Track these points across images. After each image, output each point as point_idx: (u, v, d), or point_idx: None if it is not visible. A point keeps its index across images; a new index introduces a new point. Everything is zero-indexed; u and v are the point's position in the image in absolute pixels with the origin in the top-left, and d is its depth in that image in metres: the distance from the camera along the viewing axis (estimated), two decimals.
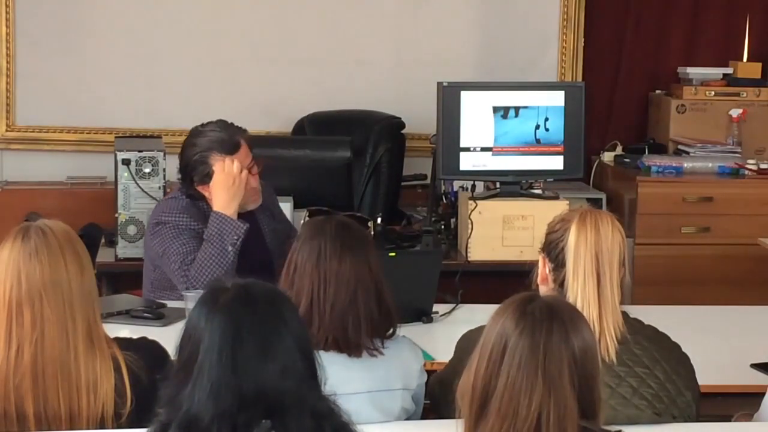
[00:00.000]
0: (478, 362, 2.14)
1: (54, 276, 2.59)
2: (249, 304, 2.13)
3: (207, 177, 4.08)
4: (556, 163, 5.02)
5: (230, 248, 3.96)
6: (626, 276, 2.87)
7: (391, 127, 5.82)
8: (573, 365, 2.08)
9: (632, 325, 2.88)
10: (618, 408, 2.80)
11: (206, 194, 4.11)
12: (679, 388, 2.87)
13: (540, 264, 2.93)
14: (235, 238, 3.97)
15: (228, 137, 4.11)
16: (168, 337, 3.04)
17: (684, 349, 2.99)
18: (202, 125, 4.17)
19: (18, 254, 2.59)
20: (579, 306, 2.73)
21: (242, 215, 4.12)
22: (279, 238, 4.23)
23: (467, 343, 2.97)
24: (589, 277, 2.79)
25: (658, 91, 6.30)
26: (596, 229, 2.81)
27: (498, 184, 5.05)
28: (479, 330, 2.89)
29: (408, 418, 3.01)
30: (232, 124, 4.17)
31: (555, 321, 2.10)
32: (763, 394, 3.04)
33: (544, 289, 2.91)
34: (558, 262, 2.86)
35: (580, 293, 2.79)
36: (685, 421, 2.88)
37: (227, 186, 4.04)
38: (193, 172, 4.09)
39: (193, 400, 2.07)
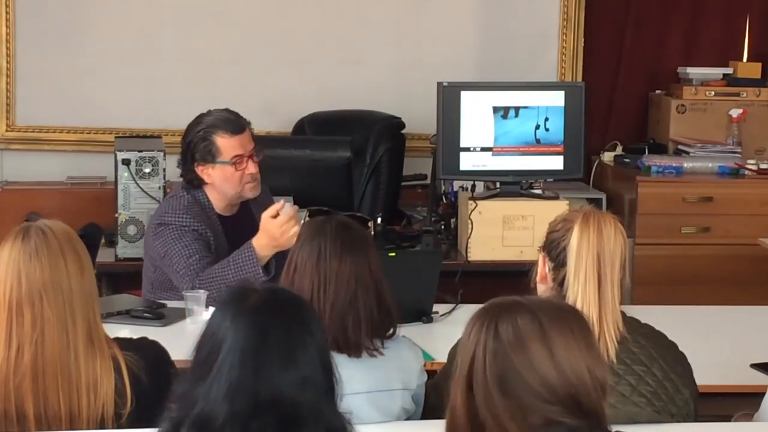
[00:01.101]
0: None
1: (54, 276, 2.59)
2: (278, 310, 2.11)
3: (209, 155, 4.08)
4: (556, 163, 5.03)
5: None
6: (626, 278, 2.88)
7: (391, 127, 5.82)
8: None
9: (629, 323, 2.89)
10: (617, 406, 2.80)
11: (205, 177, 4.11)
12: (676, 386, 2.88)
13: (540, 263, 2.93)
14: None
15: (234, 118, 4.14)
16: (168, 337, 3.04)
17: (684, 349, 2.99)
18: (208, 111, 4.20)
19: (18, 254, 2.59)
20: (579, 306, 2.74)
21: (240, 209, 4.19)
22: None
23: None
24: (590, 279, 2.80)
25: (658, 91, 6.30)
26: (599, 230, 2.81)
27: (498, 184, 5.05)
28: None
29: (408, 418, 3.01)
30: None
31: (487, 315, 2.10)
32: (763, 394, 3.04)
33: (543, 287, 2.92)
34: (558, 262, 2.86)
35: (580, 294, 2.80)
36: (684, 419, 2.88)
37: (279, 234, 3.95)
38: (195, 149, 4.09)
39: (208, 398, 2.04)
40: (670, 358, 2.91)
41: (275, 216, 3.95)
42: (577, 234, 2.81)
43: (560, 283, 2.86)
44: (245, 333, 2.06)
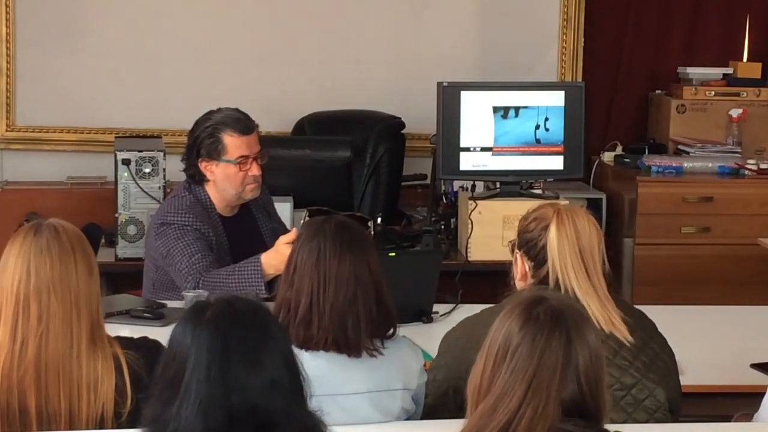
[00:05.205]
0: (485, 362, 2.14)
1: (63, 272, 2.61)
2: (235, 319, 2.10)
3: (215, 152, 4.09)
4: (556, 163, 5.03)
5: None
6: (605, 265, 2.93)
7: (391, 127, 5.82)
8: (572, 373, 2.08)
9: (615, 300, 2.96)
10: None
11: (208, 174, 4.12)
12: (656, 352, 2.93)
13: (519, 262, 2.98)
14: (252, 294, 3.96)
15: (244, 119, 4.15)
16: (168, 337, 3.04)
17: (684, 349, 3.03)
18: (218, 108, 4.20)
19: (29, 248, 2.61)
20: (581, 299, 2.81)
21: (240, 210, 4.19)
22: (277, 237, 4.23)
23: (455, 341, 3.02)
24: (580, 273, 2.87)
25: (658, 91, 6.30)
26: (574, 225, 2.88)
27: (498, 184, 5.05)
28: (460, 328, 2.95)
29: (408, 418, 3.01)
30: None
31: (558, 328, 2.09)
32: (763, 394, 3.04)
33: (522, 285, 2.97)
34: (538, 261, 2.93)
35: (577, 288, 2.86)
36: (666, 386, 2.90)
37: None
38: (201, 144, 4.10)
39: (180, 418, 2.04)
40: (649, 329, 2.98)
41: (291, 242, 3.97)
42: (555, 232, 2.87)
43: (541, 280, 2.91)
44: (207, 347, 2.06)
